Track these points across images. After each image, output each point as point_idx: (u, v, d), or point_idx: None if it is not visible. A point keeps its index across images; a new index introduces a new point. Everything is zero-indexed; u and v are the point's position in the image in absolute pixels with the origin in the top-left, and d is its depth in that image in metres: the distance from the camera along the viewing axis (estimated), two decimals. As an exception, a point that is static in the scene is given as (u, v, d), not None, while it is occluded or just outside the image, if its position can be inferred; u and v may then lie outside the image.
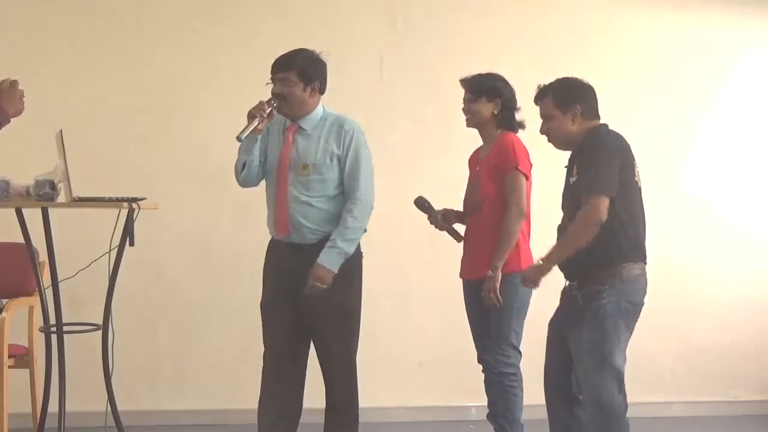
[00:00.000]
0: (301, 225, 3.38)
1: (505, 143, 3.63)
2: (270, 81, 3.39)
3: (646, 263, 3.20)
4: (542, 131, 3.29)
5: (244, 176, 3.46)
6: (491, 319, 3.61)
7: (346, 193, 3.40)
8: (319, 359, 3.50)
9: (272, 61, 3.42)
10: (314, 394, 3.52)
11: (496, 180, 3.61)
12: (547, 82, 3.30)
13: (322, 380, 3.51)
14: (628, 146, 3.18)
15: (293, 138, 3.42)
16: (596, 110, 3.26)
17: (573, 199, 3.15)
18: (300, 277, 3.35)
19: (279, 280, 3.43)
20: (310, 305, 3.37)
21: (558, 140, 3.26)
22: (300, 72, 3.36)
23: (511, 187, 3.56)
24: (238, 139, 3.27)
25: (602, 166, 3.05)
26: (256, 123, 3.27)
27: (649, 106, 5.09)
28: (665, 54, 5.15)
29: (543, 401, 3.34)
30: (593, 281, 3.10)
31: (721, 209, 5.17)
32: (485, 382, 3.68)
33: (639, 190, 3.18)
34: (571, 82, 3.26)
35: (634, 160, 3.18)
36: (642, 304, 3.16)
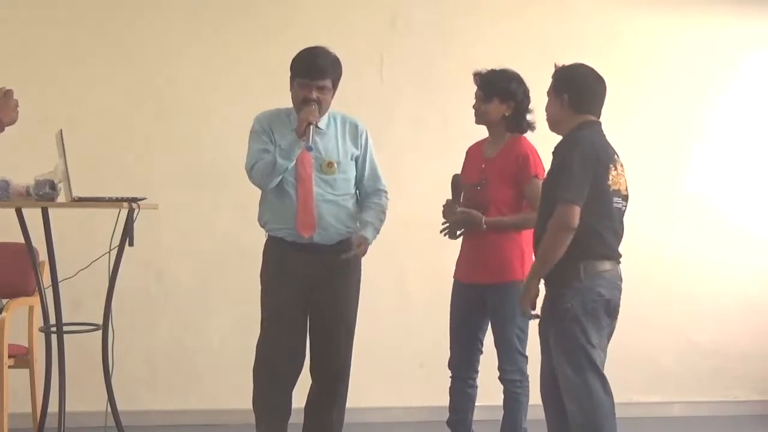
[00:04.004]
0: (328, 224, 3.37)
1: (521, 150, 3.58)
2: (304, 83, 3.32)
3: (618, 261, 3.18)
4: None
5: (275, 181, 3.34)
6: (495, 328, 3.60)
7: (368, 188, 3.51)
8: (320, 360, 3.49)
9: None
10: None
11: (510, 185, 3.57)
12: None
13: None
14: (605, 151, 3.15)
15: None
16: (587, 106, 3.21)
17: (542, 193, 3.24)
18: (318, 281, 3.37)
19: (293, 288, 3.39)
20: (325, 307, 3.41)
21: (548, 121, 3.33)
22: (334, 80, 3.38)
23: (534, 196, 3.48)
24: (309, 148, 3.24)
25: (576, 175, 3.05)
26: (312, 128, 3.24)
27: (651, 105, 5.10)
28: (668, 53, 5.16)
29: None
30: (555, 283, 3.11)
31: (721, 209, 5.18)
32: (451, 388, 3.69)
33: (610, 192, 3.13)
34: (574, 71, 3.26)
35: (612, 162, 3.14)
36: (612, 298, 3.13)
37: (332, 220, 3.38)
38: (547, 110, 3.31)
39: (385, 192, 3.55)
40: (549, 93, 3.29)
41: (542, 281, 3.18)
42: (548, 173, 3.25)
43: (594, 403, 3.06)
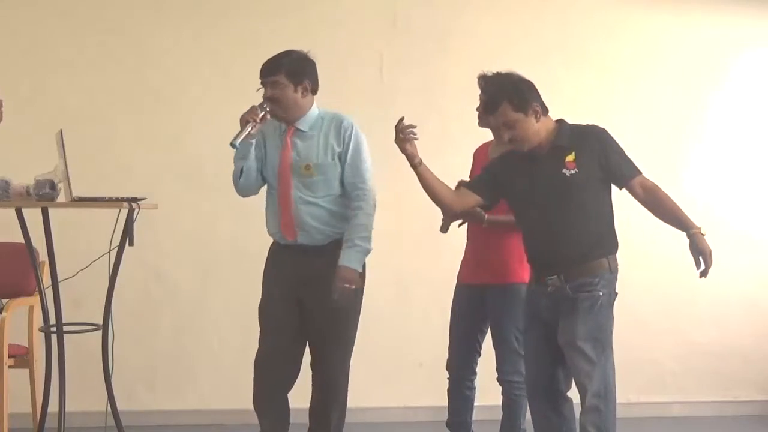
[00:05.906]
0: (309, 225, 3.36)
1: None
2: (261, 86, 3.38)
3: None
4: (506, 139, 3.17)
5: (242, 184, 3.44)
6: (494, 329, 3.62)
7: (349, 188, 3.39)
8: (314, 364, 3.48)
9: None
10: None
11: None
12: (482, 92, 3.35)
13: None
14: None
15: (291, 141, 3.40)
16: (545, 104, 3.22)
17: (568, 189, 3.12)
18: (306, 283, 3.36)
19: (282, 288, 3.40)
20: (315, 310, 3.38)
21: (526, 143, 3.16)
22: (288, 73, 3.34)
23: None
24: (232, 145, 3.26)
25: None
26: (249, 128, 3.26)
27: (649, 105, 5.10)
28: (666, 53, 5.15)
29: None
30: (584, 273, 3.11)
31: (721, 209, 5.17)
32: (449, 390, 3.70)
33: None
34: (518, 83, 3.18)
35: None
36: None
37: (312, 221, 3.36)
38: (523, 136, 3.13)
39: (366, 193, 3.38)
40: (513, 120, 3.11)
41: (558, 276, 3.15)
42: (582, 168, 3.12)
43: (611, 387, 3.11)
